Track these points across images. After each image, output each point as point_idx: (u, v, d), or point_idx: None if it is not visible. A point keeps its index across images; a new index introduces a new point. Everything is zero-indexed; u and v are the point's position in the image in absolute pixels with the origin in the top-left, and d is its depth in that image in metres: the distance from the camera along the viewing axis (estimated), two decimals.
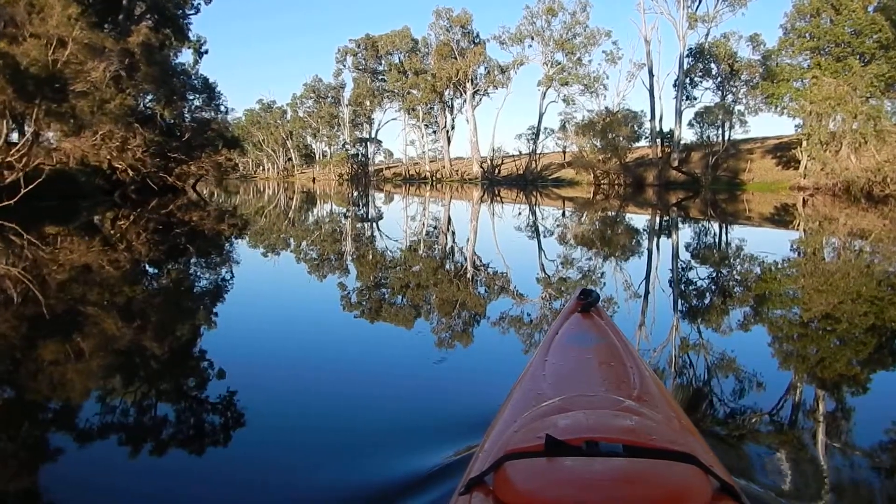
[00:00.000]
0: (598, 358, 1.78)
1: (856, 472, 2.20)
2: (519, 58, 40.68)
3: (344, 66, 51.68)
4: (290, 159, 63.66)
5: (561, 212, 17.93)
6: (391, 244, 9.82)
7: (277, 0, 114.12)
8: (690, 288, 6.15)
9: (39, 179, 13.77)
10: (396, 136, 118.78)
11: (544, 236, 11.44)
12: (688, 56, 32.66)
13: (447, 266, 7.73)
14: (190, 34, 28.23)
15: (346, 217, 17.15)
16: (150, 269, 7.62)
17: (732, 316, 4.74)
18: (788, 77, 27.00)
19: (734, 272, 7.10)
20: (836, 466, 2.24)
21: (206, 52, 30.68)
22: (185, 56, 30.06)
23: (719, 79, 32.75)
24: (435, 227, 13.56)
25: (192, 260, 8.45)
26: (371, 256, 8.55)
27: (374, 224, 14.72)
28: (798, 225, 13.34)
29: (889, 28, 23.82)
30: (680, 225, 13.75)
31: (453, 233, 12.27)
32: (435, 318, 4.81)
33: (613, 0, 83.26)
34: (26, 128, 16.30)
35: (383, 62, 49.21)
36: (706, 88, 33.39)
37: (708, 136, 32.46)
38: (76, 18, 15.92)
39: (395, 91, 47.72)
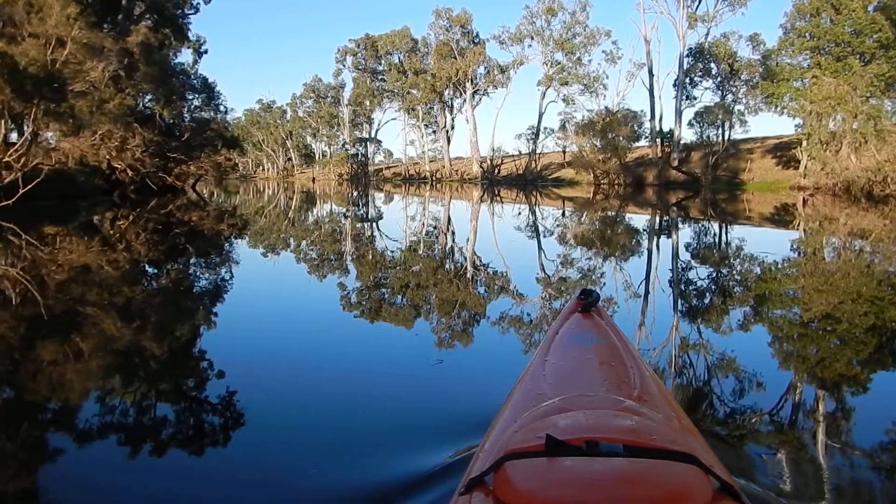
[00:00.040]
0: (599, 358, 1.78)
1: (856, 472, 2.20)
2: (519, 58, 40.73)
3: (344, 65, 51.77)
4: (289, 159, 63.65)
5: (561, 212, 17.93)
6: (391, 244, 9.82)
7: (277, 0, 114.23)
8: (690, 288, 6.15)
9: (38, 179, 13.77)
10: (396, 136, 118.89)
11: (544, 236, 11.44)
12: (688, 56, 32.67)
13: (447, 266, 7.73)
14: (189, 34, 28.27)
15: (345, 217, 17.15)
16: (150, 270, 7.62)
17: (732, 316, 4.74)
18: (788, 77, 27.00)
19: (734, 272, 7.11)
20: (836, 466, 2.24)
21: (206, 51, 30.72)
22: (185, 56, 30.14)
23: (719, 78, 32.75)
24: (435, 227, 13.56)
25: (192, 260, 8.45)
26: (371, 256, 8.55)
27: (374, 224, 14.72)
28: (798, 225, 13.34)
29: (889, 27, 23.83)
30: (680, 225, 13.75)
31: (453, 233, 12.27)
32: (435, 318, 4.81)
33: (613, 0, 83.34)
34: (25, 127, 16.29)
35: (383, 62, 49.22)
36: (706, 88, 33.46)
37: (708, 136, 32.47)
38: (75, 18, 15.92)
39: (395, 91, 47.71)
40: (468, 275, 6.89)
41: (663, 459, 1.11)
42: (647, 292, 5.80)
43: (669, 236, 11.68)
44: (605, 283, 6.03)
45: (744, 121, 31.69)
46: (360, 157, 55.00)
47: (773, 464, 2.24)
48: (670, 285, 6.31)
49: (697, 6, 32.63)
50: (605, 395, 1.49)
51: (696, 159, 32.46)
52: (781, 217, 15.49)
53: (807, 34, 26.58)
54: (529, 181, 39.05)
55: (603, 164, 32.79)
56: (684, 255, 8.41)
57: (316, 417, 2.76)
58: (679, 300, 5.54)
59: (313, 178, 55.96)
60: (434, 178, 46.78)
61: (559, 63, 38.96)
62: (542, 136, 42.00)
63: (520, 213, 17.83)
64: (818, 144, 23.02)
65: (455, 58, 41.42)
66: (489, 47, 47.34)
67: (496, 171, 42.83)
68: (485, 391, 2.75)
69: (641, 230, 13.08)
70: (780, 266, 7.24)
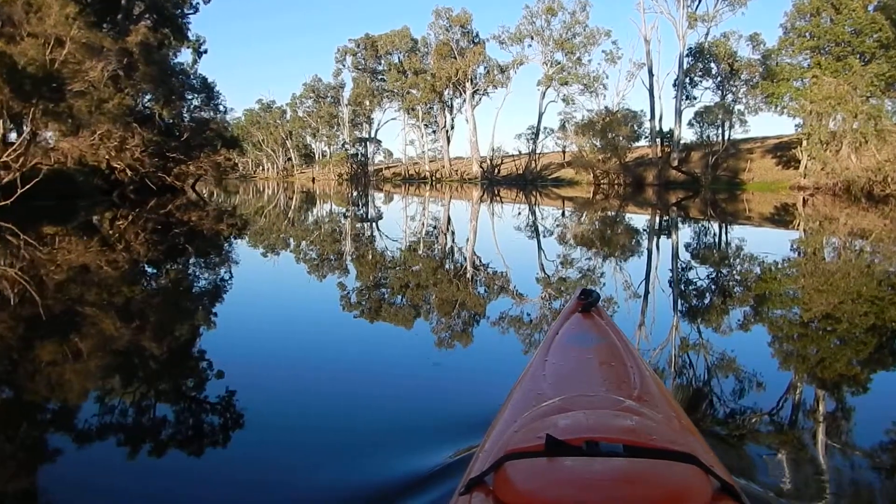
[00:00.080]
0: (599, 358, 1.78)
1: (856, 472, 2.20)
2: (518, 57, 40.72)
3: (343, 65, 51.75)
4: (289, 159, 63.64)
5: (560, 211, 17.93)
6: (391, 244, 9.82)
7: (277, 0, 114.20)
8: (690, 288, 6.16)
9: (37, 179, 13.75)
10: (396, 135, 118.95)
11: (544, 236, 11.44)
12: (688, 55, 32.68)
13: (447, 266, 7.73)
14: (189, 34, 28.26)
15: (345, 217, 17.15)
16: (149, 270, 7.62)
17: (732, 316, 4.74)
18: (788, 76, 27.01)
19: (734, 272, 7.11)
20: (836, 466, 2.24)
21: (206, 51, 30.69)
22: (184, 56, 30.10)
23: (719, 78, 32.76)
24: (434, 227, 13.56)
25: (192, 260, 8.45)
26: (371, 256, 8.55)
27: (374, 224, 14.71)
28: (798, 225, 13.34)
29: (889, 27, 23.83)
30: (680, 225, 13.75)
31: (453, 233, 12.27)
32: (435, 318, 4.81)
33: (613, 0, 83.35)
34: (24, 127, 16.28)
35: (383, 62, 49.21)
36: (706, 88, 33.48)
37: (708, 136, 32.48)
38: (74, 18, 15.92)
39: (395, 91, 47.70)
40: (468, 275, 6.89)
41: (663, 459, 1.11)
42: (647, 292, 5.80)
43: (669, 236, 11.68)
44: (605, 283, 6.02)
45: (744, 121, 31.77)
46: (359, 157, 55.00)
47: (773, 464, 2.24)
48: (670, 285, 6.31)
49: (697, 6, 32.69)
50: (605, 395, 1.49)
51: (696, 159, 32.47)
52: (781, 217, 15.49)
53: (807, 34, 26.58)
54: (529, 181, 39.05)
55: (603, 163, 32.79)
56: (684, 255, 8.41)
57: (316, 417, 2.76)
58: (679, 300, 5.54)
59: (313, 178, 55.95)
60: (434, 178, 46.78)
61: (559, 63, 38.97)
62: (541, 136, 42.08)
63: (519, 213, 17.83)
64: (818, 144, 23.03)
65: (455, 58, 41.41)
66: (489, 47, 47.40)
67: (496, 171, 42.83)
68: (485, 391, 2.75)
69: (641, 230, 13.09)
70: (780, 266, 7.24)
